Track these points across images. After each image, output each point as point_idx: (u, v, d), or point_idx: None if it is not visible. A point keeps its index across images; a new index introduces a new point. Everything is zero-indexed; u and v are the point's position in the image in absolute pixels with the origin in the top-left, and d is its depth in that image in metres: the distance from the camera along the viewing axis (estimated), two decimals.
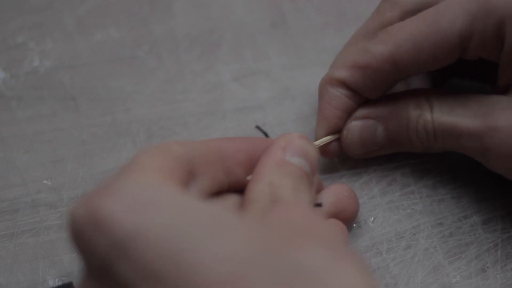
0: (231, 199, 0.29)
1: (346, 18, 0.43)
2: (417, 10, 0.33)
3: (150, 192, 0.23)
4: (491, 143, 0.31)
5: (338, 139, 0.35)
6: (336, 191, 0.33)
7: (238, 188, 0.29)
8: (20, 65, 0.41)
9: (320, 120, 0.35)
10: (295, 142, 0.30)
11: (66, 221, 0.23)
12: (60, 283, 0.33)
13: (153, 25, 0.43)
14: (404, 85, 0.38)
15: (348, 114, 0.35)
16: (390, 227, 0.35)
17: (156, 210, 0.22)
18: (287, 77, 0.41)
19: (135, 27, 0.43)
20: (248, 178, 0.29)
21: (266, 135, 0.36)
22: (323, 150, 0.35)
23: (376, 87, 0.34)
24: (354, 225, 0.35)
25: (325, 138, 0.35)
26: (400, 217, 0.36)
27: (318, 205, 0.32)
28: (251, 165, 0.29)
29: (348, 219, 0.33)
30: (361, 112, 0.35)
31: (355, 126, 0.35)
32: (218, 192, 0.29)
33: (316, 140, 0.35)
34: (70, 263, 0.34)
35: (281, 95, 0.40)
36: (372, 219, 0.36)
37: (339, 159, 0.37)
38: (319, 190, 0.33)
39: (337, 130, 0.35)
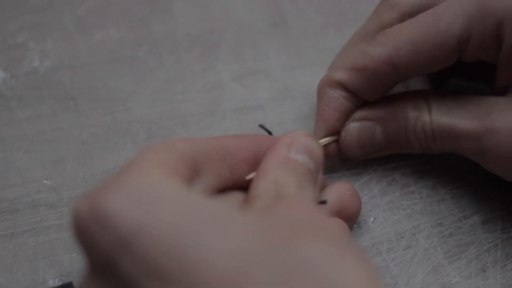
0: (235, 196, 0.29)
1: (346, 18, 0.43)
2: (415, 12, 0.33)
3: (154, 188, 0.23)
4: (489, 144, 0.31)
5: (337, 141, 0.35)
6: (338, 189, 0.33)
7: (242, 186, 0.29)
8: (20, 65, 0.41)
9: (318, 121, 0.35)
10: (300, 139, 0.30)
11: (69, 218, 0.23)
12: (60, 283, 0.33)
13: (153, 25, 0.43)
14: (403, 86, 0.38)
15: (347, 116, 0.35)
16: (390, 227, 0.35)
17: (159, 206, 0.22)
18: (287, 77, 0.41)
19: (135, 27, 0.43)
20: (248, 177, 0.29)
21: (269, 133, 0.36)
22: None
23: (375, 89, 0.34)
24: (354, 225, 0.35)
25: (324, 139, 0.35)
26: (400, 217, 0.36)
27: (323, 202, 0.32)
28: (256, 163, 0.29)
29: (350, 217, 0.33)
30: (359, 113, 0.35)
31: (353, 127, 0.35)
32: (222, 190, 0.29)
33: None
34: (70, 263, 0.34)
35: (281, 95, 0.40)
36: (372, 219, 0.36)
37: (339, 159, 0.37)
38: (322, 188, 0.33)
39: (336, 132, 0.35)
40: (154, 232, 0.21)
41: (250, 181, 0.29)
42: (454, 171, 0.37)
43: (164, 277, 0.21)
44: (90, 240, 0.22)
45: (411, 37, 0.32)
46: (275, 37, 0.43)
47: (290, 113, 0.39)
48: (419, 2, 0.34)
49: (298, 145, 0.30)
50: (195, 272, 0.20)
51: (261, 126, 0.37)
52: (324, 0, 0.44)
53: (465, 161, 0.35)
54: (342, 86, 0.34)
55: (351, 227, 0.35)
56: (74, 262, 0.34)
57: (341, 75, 0.34)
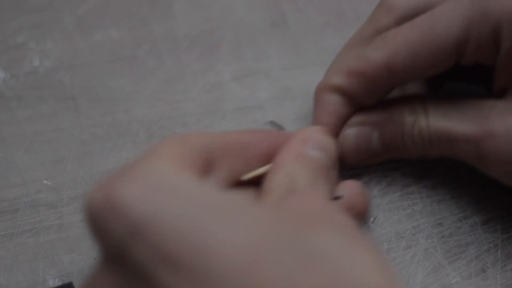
0: (249, 191, 0.30)
1: (346, 18, 0.43)
2: (412, 15, 0.33)
3: (168, 178, 0.23)
4: (487, 148, 0.31)
5: None
6: (348, 187, 0.33)
7: (256, 181, 0.30)
8: (20, 65, 0.41)
9: None
10: (315, 135, 0.30)
11: (82, 207, 0.23)
12: (60, 283, 0.33)
13: (153, 25, 0.43)
14: (400, 90, 0.37)
15: (343, 121, 0.35)
16: (390, 227, 0.35)
17: (174, 195, 0.22)
18: (287, 77, 0.41)
19: (135, 27, 0.43)
20: (244, 178, 0.29)
21: (281, 129, 0.36)
22: None
23: (372, 94, 0.34)
24: None
25: None
26: (400, 217, 0.36)
27: (338, 198, 0.32)
28: (270, 157, 0.30)
29: (359, 216, 0.33)
30: (356, 119, 0.34)
31: (350, 133, 0.34)
32: (236, 184, 0.29)
33: None
34: (70, 263, 0.34)
35: (281, 95, 0.40)
36: (372, 219, 0.36)
37: (339, 159, 0.37)
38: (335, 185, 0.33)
39: (332, 137, 0.35)
40: (169, 221, 0.21)
41: (261, 177, 0.29)
42: (454, 171, 0.37)
43: (177, 265, 0.21)
44: (103, 229, 0.22)
45: (408, 41, 0.32)
46: (275, 37, 0.43)
47: (290, 113, 0.39)
48: (416, 6, 0.33)
49: (313, 141, 0.30)
50: (208, 262, 0.20)
51: (272, 122, 0.37)
52: (324, 0, 0.44)
53: None
54: (339, 90, 0.34)
55: None
56: (74, 262, 0.34)
57: (338, 80, 0.34)
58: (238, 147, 0.29)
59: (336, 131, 0.35)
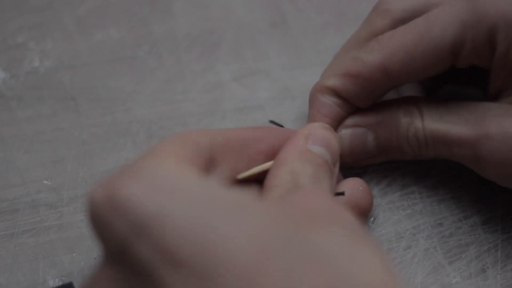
0: (251, 188, 0.30)
1: (346, 18, 0.43)
2: (408, 18, 0.33)
3: (170, 175, 0.23)
4: (483, 150, 0.31)
5: None
6: (351, 184, 0.33)
7: (258, 178, 0.30)
8: (20, 65, 0.41)
9: None
10: (318, 131, 0.30)
11: (84, 205, 0.23)
12: (60, 283, 0.33)
13: (153, 25, 0.43)
14: (395, 93, 0.37)
15: (338, 123, 0.35)
16: (390, 227, 0.35)
17: (177, 192, 0.22)
18: (287, 77, 0.41)
19: (135, 27, 0.43)
20: (240, 177, 0.29)
21: (281, 127, 0.36)
22: None
23: (367, 96, 0.34)
24: None
25: None
26: (400, 217, 0.36)
27: (340, 193, 0.32)
28: (272, 154, 0.30)
29: (362, 213, 0.33)
30: (351, 120, 0.34)
31: (345, 134, 0.34)
32: (238, 181, 0.29)
33: None
34: (70, 263, 0.34)
35: (281, 95, 0.40)
36: (372, 219, 0.36)
37: None
38: (338, 182, 0.33)
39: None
40: (172, 218, 0.21)
41: (265, 173, 0.29)
42: (454, 171, 0.37)
43: (180, 263, 0.21)
44: (106, 227, 0.22)
45: (403, 44, 0.32)
46: (275, 37, 0.43)
47: (290, 113, 0.39)
48: (412, 9, 0.33)
49: (315, 137, 0.30)
50: (211, 259, 0.20)
51: (272, 122, 0.37)
52: (324, 0, 0.44)
53: None
54: (334, 92, 0.34)
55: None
56: (74, 262, 0.34)
57: (333, 82, 0.34)
58: (239, 144, 0.29)
59: None
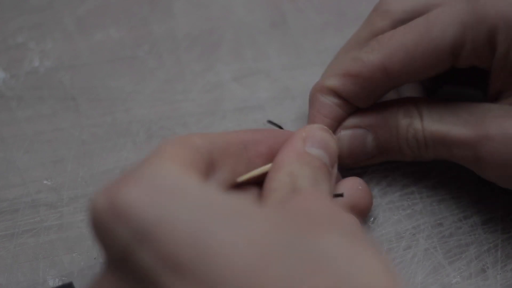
0: (251, 191, 0.30)
1: (346, 18, 0.43)
2: (408, 19, 0.33)
3: (172, 181, 0.23)
4: (483, 151, 0.31)
5: None
6: (350, 184, 0.33)
7: (258, 181, 0.30)
8: (20, 65, 0.41)
9: None
10: (315, 133, 0.30)
11: (86, 211, 0.23)
12: (60, 283, 0.33)
13: (153, 25, 0.43)
14: (395, 93, 0.37)
15: (338, 123, 0.35)
16: (390, 227, 0.35)
17: (178, 198, 0.22)
18: (287, 77, 0.41)
19: (135, 27, 0.43)
20: (239, 180, 0.29)
21: (280, 128, 0.36)
22: None
23: (367, 96, 0.34)
24: None
25: None
26: (400, 217, 0.36)
27: (339, 195, 0.32)
28: (272, 157, 0.30)
29: (362, 213, 0.33)
30: (350, 121, 0.34)
31: (344, 135, 0.34)
32: (238, 184, 0.29)
33: None
34: (70, 263, 0.34)
35: (281, 95, 0.40)
36: (372, 219, 0.36)
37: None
38: (336, 182, 0.33)
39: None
40: (173, 225, 0.21)
41: (264, 175, 0.29)
42: (454, 171, 0.37)
43: (182, 270, 0.21)
44: (108, 233, 0.22)
45: (403, 44, 0.32)
46: (275, 37, 0.43)
47: (290, 113, 0.39)
48: (412, 9, 0.33)
49: (313, 139, 0.30)
50: (213, 266, 0.20)
51: (270, 122, 0.37)
52: (324, 0, 0.44)
53: None
54: (334, 92, 0.34)
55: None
56: (74, 262, 0.34)
57: (333, 82, 0.34)
58: (238, 147, 0.29)
59: None
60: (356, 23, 0.37)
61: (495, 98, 0.33)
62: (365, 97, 0.34)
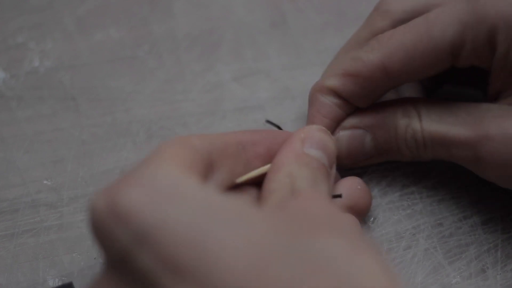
0: (250, 192, 0.30)
1: (346, 18, 0.43)
2: (408, 19, 0.33)
3: (172, 183, 0.23)
4: (483, 151, 0.31)
5: None
6: (349, 184, 0.33)
7: (256, 181, 0.30)
8: (20, 65, 0.41)
9: None
10: (314, 134, 0.30)
11: (86, 213, 0.23)
12: (60, 283, 0.33)
13: (153, 25, 0.43)
14: (394, 93, 0.38)
15: (337, 123, 0.35)
16: (390, 227, 0.35)
17: (178, 201, 0.22)
18: (287, 77, 0.41)
19: (135, 27, 0.43)
20: (238, 181, 0.29)
21: (279, 128, 0.36)
22: None
23: (367, 96, 0.34)
24: None
25: None
26: (400, 218, 0.36)
27: (338, 196, 0.32)
28: (270, 158, 0.30)
29: (361, 212, 0.33)
30: (349, 121, 0.34)
31: (343, 136, 0.34)
32: (236, 185, 0.29)
33: None
34: (70, 263, 0.34)
35: (281, 95, 0.40)
36: (372, 219, 0.36)
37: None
38: (335, 182, 0.33)
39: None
40: (173, 227, 0.21)
41: (263, 176, 0.29)
42: (454, 171, 0.37)
43: (182, 272, 0.21)
44: (107, 235, 0.22)
45: (403, 43, 0.32)
46: (275, 37, 0.43)
47: (290, 113, 0.39)
48: (412, 9, 0.33)
49: (312, 140, 0.30)
50: (213, 267, 0.21)
51: (269, 122, 0.37)
52: (324, 0, 0.44)
53: None
54: (334, 92, 0.34)
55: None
56: (74, 262, 0.34)
57: (333, 81, 0.34)
58: (237, 148, 0.29)
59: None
60: (356, 23, 0.37)
61: (494, 98, 0.33)
62: (365, 96, 0.34)
